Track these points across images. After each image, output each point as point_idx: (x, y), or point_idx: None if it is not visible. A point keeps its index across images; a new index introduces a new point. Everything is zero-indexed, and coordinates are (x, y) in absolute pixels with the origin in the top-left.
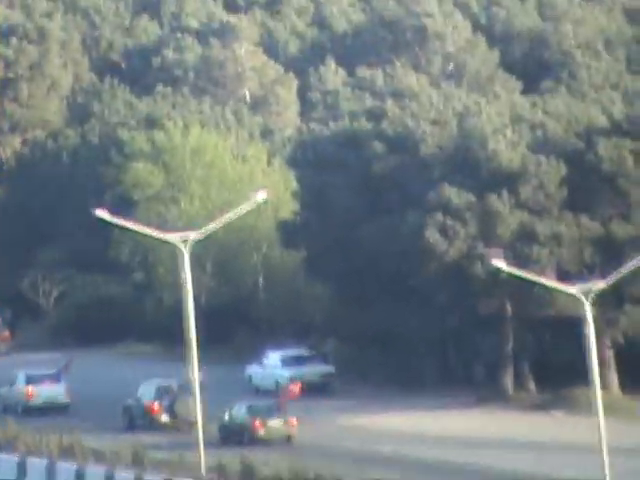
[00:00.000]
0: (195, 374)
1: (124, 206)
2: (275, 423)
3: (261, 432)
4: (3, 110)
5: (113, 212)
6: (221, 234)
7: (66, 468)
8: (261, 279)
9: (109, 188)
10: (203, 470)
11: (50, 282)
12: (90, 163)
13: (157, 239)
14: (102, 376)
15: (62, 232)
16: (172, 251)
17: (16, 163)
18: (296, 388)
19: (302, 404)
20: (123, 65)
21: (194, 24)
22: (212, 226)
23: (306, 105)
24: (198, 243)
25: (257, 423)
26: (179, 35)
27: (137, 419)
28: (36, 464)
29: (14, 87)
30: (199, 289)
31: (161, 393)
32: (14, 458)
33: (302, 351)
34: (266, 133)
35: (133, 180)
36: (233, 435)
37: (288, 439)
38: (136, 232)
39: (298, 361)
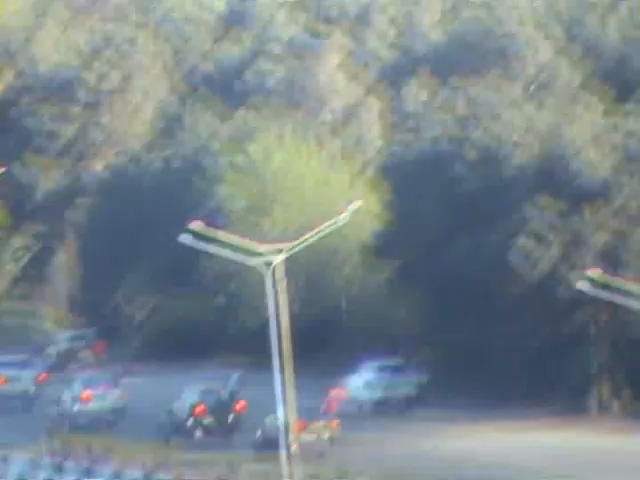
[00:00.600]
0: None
1: (209, 229)
2: (317, 427)
3: (303, 436)
4: (87, 134)
5: (198, 235)
6: (306, 254)
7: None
8: (349, 296)
9: (193, 211)
10: None
11: (136, 304)
12: (173, 186)
13: (242, 263)
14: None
15: (148, 254)
16: (257, 273)
17: (99, 187)
18: (341, 393)
19: (391, 416)
20: (206, 88)
21: (276, 47)
22: (296, 246)
23: (390, 126)
24: (283, 264)
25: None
26: (261, 58)
27: (180, 423)
28: (132, 476)
29: (97, 112)
30: (289, 302)
31: (203, 397)
32: (109, 469)
33: (393, 362)
34: (349, 154)
35: (217, 203)
36: (273, 440)
37: (330, 441)
38: (220, 256)
39: (390, 372)
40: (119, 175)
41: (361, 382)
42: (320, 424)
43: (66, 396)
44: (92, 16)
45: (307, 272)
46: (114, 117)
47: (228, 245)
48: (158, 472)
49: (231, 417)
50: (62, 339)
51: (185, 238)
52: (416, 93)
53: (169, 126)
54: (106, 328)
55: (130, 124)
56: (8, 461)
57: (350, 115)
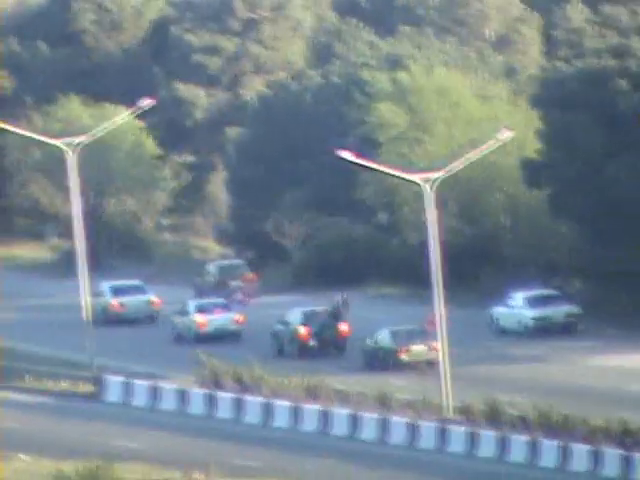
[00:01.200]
0: (439, 316)
1: (368, 147)
2: (418, 348)
3: (404, 357)
4: (246, 51)
5: (357, 153)
6: (465, 173)
7: (311, 410)
8: (505, 218)
9: (352, 129)
10: (449, 411)
11: (294, 224)
12: (333, 104)
13: (401, 179)
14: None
15: (306, 173)
16: (416, 191)
17: (259, 104)
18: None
19: (546, 344)
20: (365, 5)
21: None
22: (455, 165)
23: (550, 43)
24: (442, 183)
25: (400, 348)
26: None
27: (285, 345)
28: (281, 406)
29: (257, 28)
30: (444, 229)
31: (308, 318)
32: (260, 400)
33: (547, 291)
34: (509, 72)
35: (377, 121)
36: (376, 360)
37: (430, 364)
38: (380, 172)
39: (543, 301)
40: (279, 91)
41: (515, 309)
42: (420, 347)
43: (182, 321)
44: None
45: (467, 189)
46: (274, 34)
47: (388, 161)
48: (308, 403)
49: (335, 339)
50: (213, 270)
51: (345, 154)
52: (578, 9)
53: (329, 42)
54: (258, 258)
55: (290, 40)
56: (158, 393)
57: (511, 31)
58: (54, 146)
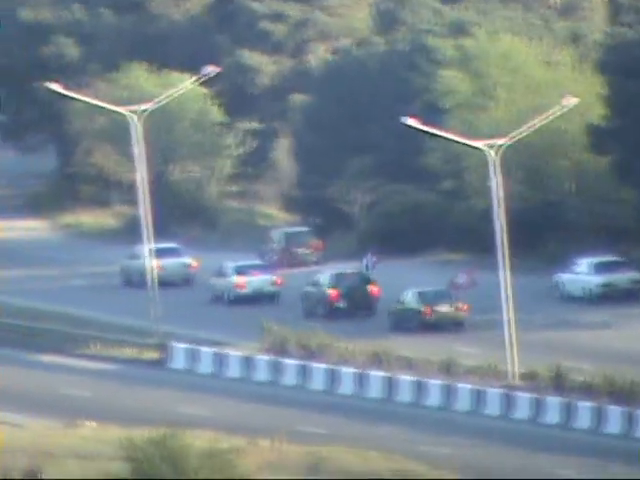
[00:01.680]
0: (503, 281)
1: (433, 113)
2: (444, 308)
3: (430, 317)
4: (311, 18)
5: (422, 119)
6: (530, 140)
7: (376, 377)
8: (570, 184)
9: (417, 95)
10: (514, 378)
11: (359, 191)
12: (398, 70)
13: (466, 146)
14: (408, 282)
15: (371, 140)
16: (481, 157)
17: (324, 71)
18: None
19: (611, 311)
20: None
21: None
22: (520, 132)
23: (615, 9)
24: (507, 149)
25: (426, 309)
26: None
27: (315, 307)
28: (347, 373)
29: None
30: (508, 195)
31: (338, 280)
32: (325, 366)
33: (612, 257)
34: (574, 38)
35: (442, 87)
36: (403, 321)
37: (458, 324)
38: (445, 139)
39: (608, 267)
40: (344, 58)
41: (580, 276)
42: (446, 308)
43: (219, 283)
44: None
45: (531, 155)
46: (339, 0)
47: (453, 128)
48: (373, 369)
49: (365, 300)
50: (278, 237)
51: (410, 121)
52: None
53: (394, 9)
54: (323, 225)
55: (355, 7)
56: (223, 360)
57: None
58: (119, 113)
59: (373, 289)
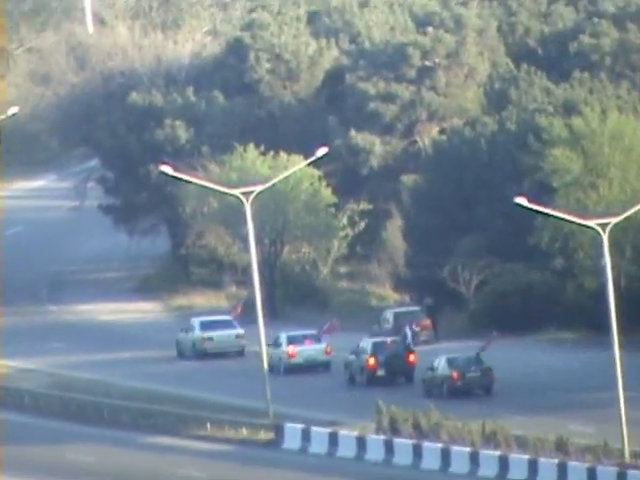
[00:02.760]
0: (617, 360)
1: (543, 192)
2: (473, 374)
3: (459, 383)
4: (421, 99)
5: (532, 199)
6: None
7: (489, 455)
8: None
9: (527, 175)
10: (627, 456)
11: (470, 270)
12: (507, 150)
13: (578, 225)
14: (521, 362)
15: (481, 220)
16: (592, 236)
17: (434, 151)
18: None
19: None
20: (539, 51)
21: (610, 8)
22: (632, 210)
23: None
24: (618, 227)
25: (455, 374)
26: (595, 20)
27: (356, 374)
28: (459, 452)
29: (431, 76)
30: (619, 274)
31: (377, 348)
32: (438, 446)
33: None
34: None
35: (551, 166)
36: (434, 387)
37: (487, 390)
38: (556, 218)
39: None
40: (454, 138)
41: None
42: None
43: (274, 353)
44: None
45: None
46: (449, 80)
47: (563, 207)
48: (486, 448)
49: (404, 368)
50: (389, 317)
51: (521, 199)
52: None
53: (504, 88)
54: (434, 304)
55: (465, 87)
56: (336, 439)
57: None
58: (231, 195)
59: (411, 357)
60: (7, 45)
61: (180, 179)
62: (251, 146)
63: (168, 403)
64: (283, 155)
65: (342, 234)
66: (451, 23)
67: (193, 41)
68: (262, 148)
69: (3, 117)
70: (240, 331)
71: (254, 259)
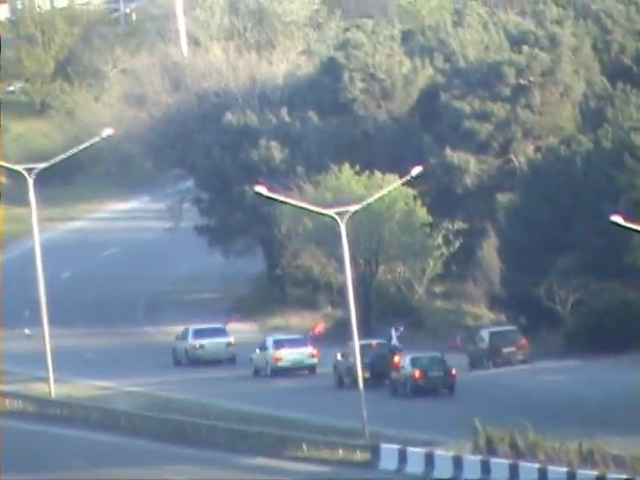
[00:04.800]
0: None
1: (638, 210)
2: (435, 374)
3: (421, 383)
4: (516, 117)
5: (628, 217)
6: None
7: (587, 476)
8: None
9: (623, 193)
10: None
11: (566, 289)
12: (603, 168)
13: None
14: (616, 382)
15: (576, 238)
16: None
17: (529, 170)
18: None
19: None
20: (635, 69)
21: None
22: None
23: None
24: None
25: (418, 374)
26: None
27: (344, 377)
28: (556, 472)
29: (527, 94)
30: None
31: (363, 350)
32: (535, 466)
33: None
34: None
35: None
36: (400, 386)
37: (450, 389)
38: None
39: None
40: (549, 157)
41: None
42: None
43: (260, 356)
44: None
45: None
46: (543, 99)
47: None
48: (583, 468)
49: (389, 370)
50: (484, 336)
51: (617, 218)
52: None
53: (599, 106)
54: (530, 323)
55: (560, 105)
56: (433, 460)
57: None
58: (326, 215)
59: (397, 359)
60: (102, 67)
61: (275, 199)
62: (346, 166)
63: (264, 424)
64: (378, 174)
65: (437, 253)
66: (546, 41)
67: (287, 61)
68: (357, 167)
69: (98, 139)
70: (231, 339)
71: (349, 279)
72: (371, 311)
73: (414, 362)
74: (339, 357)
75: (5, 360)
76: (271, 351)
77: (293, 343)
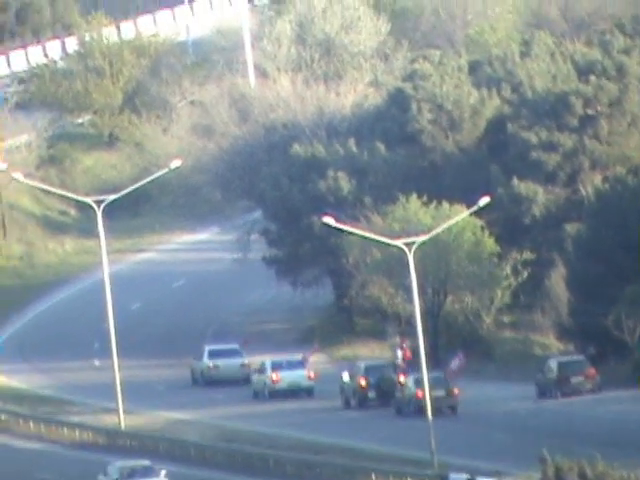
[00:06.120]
0: None
1: None
2: (438, 394)
3: (424, 402)
4: (583, 147)
5: None
6: None
7: None
8: None
9: None
10: None
11: (634, 318)
12: None
13: None
14: None
15: None
16: None
17: (597, 200)
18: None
19: None
20: None
21: None
22: None
23: None
24: None
25: (421, 394)
26: None
27: (350, 397)
28: None
29: (594, 124)
30: None
31: (369, 370)
32: None
33: None
34: None
35: None
36: (404, 406)
37: (452, 409)
38: None
39: None
40: (617, 187)
41: None
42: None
43: (259, 378)
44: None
45: None
46: (611, 129)
47: None
48: None
49: (394, 390)
50: (553, 365)
51: None
52: None
53: None
54: (598, 353)
55: (627, 135)
56: None
57: None
58: (393, 246)
59: (401, 379)
60: (170, 98)
61: (343, 230)
62: (413, 196)
63: (332, 453)
64: (445, 205)
65: (505, 283)
66: (613, 71)
67: (355, 92)
68: (424, 198)
69: (166, 170)
70: (245, 360)
71: (417, 309)
72: (439, 341)
73: (417, 382)
74: (346, 378)
75: (75, 391)
76: (269, 373)
77: (291, 365)
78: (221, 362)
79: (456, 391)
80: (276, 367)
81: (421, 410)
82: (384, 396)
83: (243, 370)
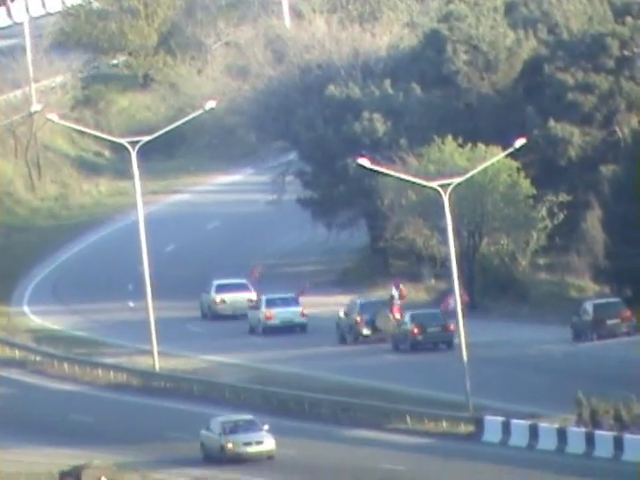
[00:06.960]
0: None
1: None
2: (433, 329)
3: (420, 338)
4: (620, 89)
5: None
6: None
7: None
8: None
9: None
10: None
11: None
12: None
13: None
14: None
15: None
16: None
17: (633, 141)
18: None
19: None
20: None
21: None
22: None
23: None
24: None
25: (417, 329)
26: None
27: (346, 334)
28: None
29: (630, 65)
30: None
31: (364, 308)
32: (638, 437)
33: None
34: None
35: None
36: (400, 342)
37: (448, 345)
38: None
39: None
40: None
41: None
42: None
43: (253, 315)
44: None
45: None
46: None
47: None
48: None
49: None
50: (588, 308)
51: None
52: None
53: None
54: (633, 296)
55: None
56: (537, 432)
57: None
58: (429, 188)
59: (397, 316)
60: (205, 39)
61: (378, 172)
62: (449, 138)
63: (367, 396)
64: (481, 146)
65: (541, 225)
66: None
67: (390, 33)
68: (460, 140)
69: (201, 111)
70: (252, 296)
71: (452, 251)
72: (474, 283)
73: (413, 318)
74: (342, 314)
75: (109, 333)
76: (263, 310)
77: (284, 302)
78: (228, 296)
79: (452, 327)
80: (270, 304)
81: (418, 346)
82: (379, 332)
83: (250, 305)
